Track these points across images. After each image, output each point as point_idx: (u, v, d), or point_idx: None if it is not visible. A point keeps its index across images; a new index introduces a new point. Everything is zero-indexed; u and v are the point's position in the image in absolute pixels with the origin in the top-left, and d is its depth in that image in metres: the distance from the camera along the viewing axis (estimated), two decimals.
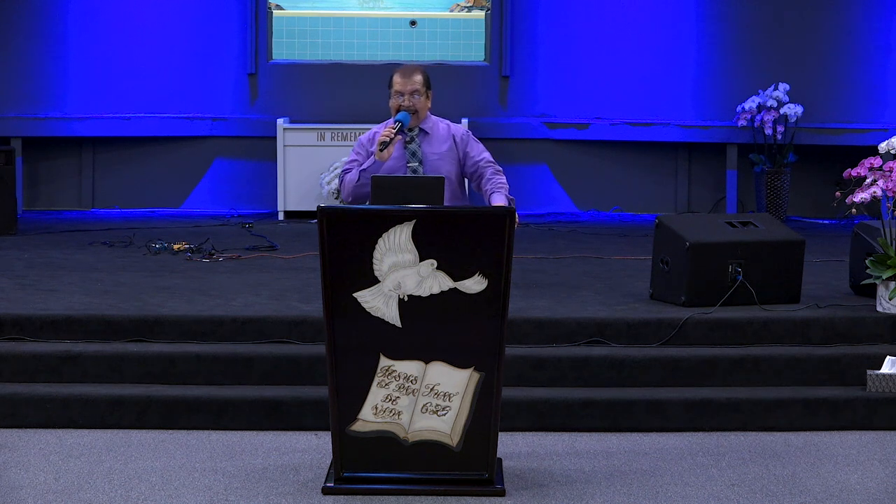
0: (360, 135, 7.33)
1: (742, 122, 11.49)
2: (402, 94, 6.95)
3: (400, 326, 5.68)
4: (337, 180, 10.72)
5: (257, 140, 11.82)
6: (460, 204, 7.13)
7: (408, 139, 7.00)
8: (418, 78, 6.96)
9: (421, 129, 7.05)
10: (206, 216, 11.57)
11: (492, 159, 7.15)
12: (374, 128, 7.14)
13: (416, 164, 7.00)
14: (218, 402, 6.66)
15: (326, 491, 5.74)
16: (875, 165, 7.40)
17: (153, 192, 11.92)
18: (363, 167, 6.91)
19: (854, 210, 7.47)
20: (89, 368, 6.88)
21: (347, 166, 7.03)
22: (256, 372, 6.90)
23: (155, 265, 8.89)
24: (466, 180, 7.32)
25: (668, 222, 7.67)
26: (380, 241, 5.64)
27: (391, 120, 7.01)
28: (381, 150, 6.77)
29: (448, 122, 7.18)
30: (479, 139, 7.31)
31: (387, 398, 5.72)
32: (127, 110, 11.76)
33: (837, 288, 8.07)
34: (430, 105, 7.06)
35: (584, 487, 5.85)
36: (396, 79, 6.99)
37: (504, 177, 7.07)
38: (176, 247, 9.52)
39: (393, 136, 6.78)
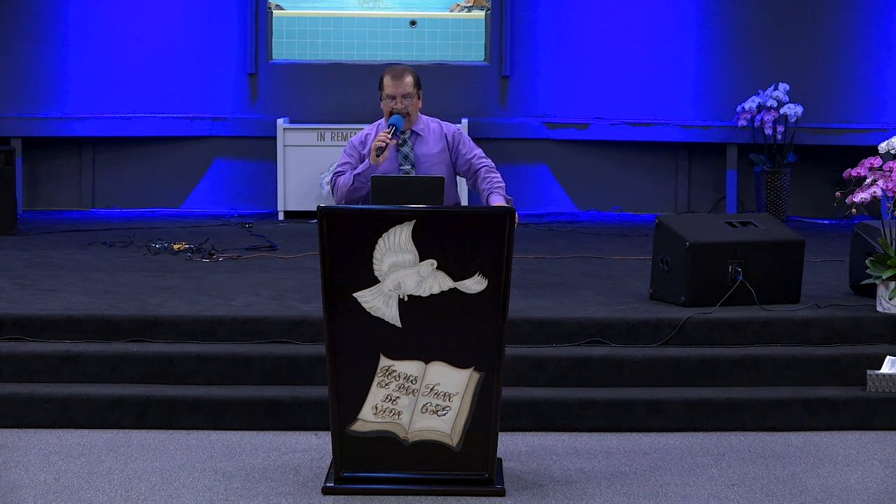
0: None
1: (742, 122, 11.48)
2: (393, 97, 6.89)
3: (400, 326, 5.68)
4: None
5: (257, 140, 11.81)
6: (455, 201, 7.12)
7: (400, 142, 6.98)
8: (409, 80, 6.89)
9: (413, 132, 7.02)
10: (206, 216, 11.57)
11: (483, 156, 7.10)
12: (366, 129, 7.09)
13: (409, 167, 6.98)
14: (218, 402, 6.66)
15: (326, 491, 5.74)
16: (875, 165, 7.40)
17: (153, 192, 11.91)
18: (357, 171, 6.88)
19: (854, 210, 7.47)
20: (89, 368, 6.88)
21: (340, 168, 6.99)
22: (256, 372, 6.90)
23: (155, 265, 8.89)
24: (459, 177, 7.28)
25: (668, 222, 7.67)
26: (380, 241, 5.64)
27: (382, 120, 6.98)
28: (377, 156, 6.74)
29: (440, 121, 7.13)
30: (476, 139, 7.29)
31: (387, 398, 5.71)
32: (127, 110, 11.76)
33: (837, 288, 8.06)
34: (420, 105, 7.03)
35: (584, 487, 5.85)
36: (387, 81, 6.92)
37: (499, 174, 7.04)
38: (176, 247, 9.52)
39: (389, 140, 6.76)
